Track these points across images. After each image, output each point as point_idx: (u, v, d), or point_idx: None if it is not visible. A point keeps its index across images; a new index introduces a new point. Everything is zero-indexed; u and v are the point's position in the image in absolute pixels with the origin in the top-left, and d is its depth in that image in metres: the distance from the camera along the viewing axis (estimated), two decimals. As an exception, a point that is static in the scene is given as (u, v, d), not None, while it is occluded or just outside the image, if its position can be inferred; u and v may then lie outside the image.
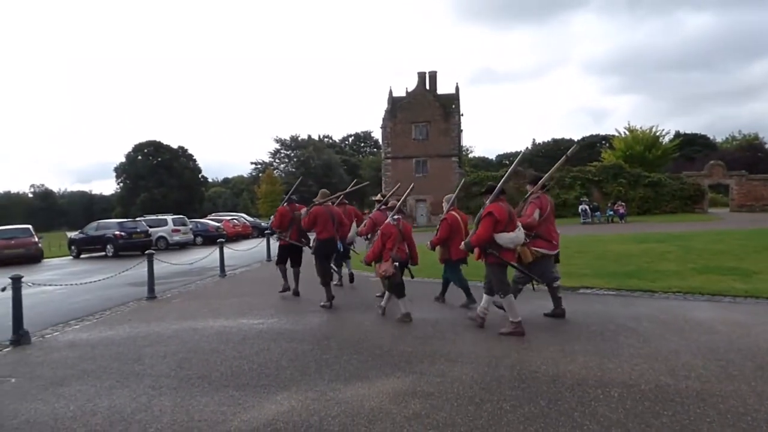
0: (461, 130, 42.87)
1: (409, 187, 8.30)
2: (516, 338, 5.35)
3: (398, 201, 7.38)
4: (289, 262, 8.96)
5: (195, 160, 76.33)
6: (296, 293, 8.62)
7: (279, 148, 71.39)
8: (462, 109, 42.38)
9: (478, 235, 5.43)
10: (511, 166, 5.83)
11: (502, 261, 5.48)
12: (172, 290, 10.22)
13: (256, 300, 8.54)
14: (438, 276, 8.40)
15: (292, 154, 70.52)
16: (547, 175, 6.33)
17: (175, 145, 73.53)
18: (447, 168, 39.39)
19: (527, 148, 54.93)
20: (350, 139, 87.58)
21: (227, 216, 33.70)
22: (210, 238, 25.57)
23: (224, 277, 11.97)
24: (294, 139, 70.70)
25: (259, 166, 73.28)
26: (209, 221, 29.41)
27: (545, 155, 69.15)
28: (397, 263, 6.38)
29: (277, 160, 72.15)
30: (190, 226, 25.76)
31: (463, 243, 5.75)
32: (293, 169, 68.28)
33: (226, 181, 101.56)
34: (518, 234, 5.47)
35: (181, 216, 26.81)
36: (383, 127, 41.42)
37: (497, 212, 5.38)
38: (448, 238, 6.93)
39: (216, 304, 8.27)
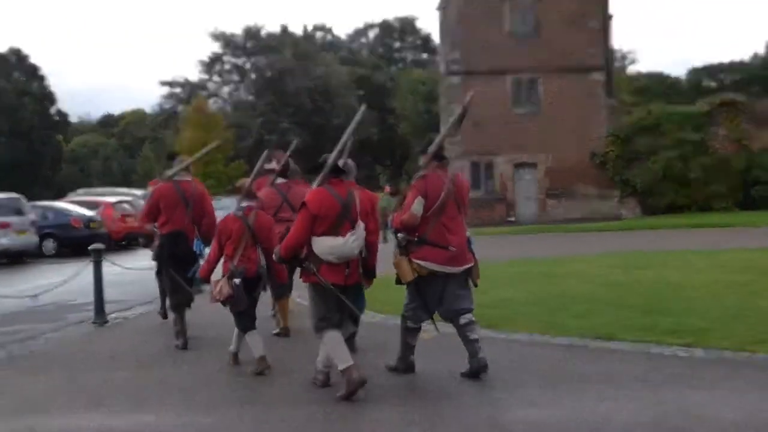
0: (611, 16, 42.40)
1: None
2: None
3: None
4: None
5: (44, 79, 77.91)
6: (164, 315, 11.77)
7: (220, 52, 72.13)
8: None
9: (287, 239, 7.10)
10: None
11: (320, 281, 6.97)
12: (-5, 352, 10.42)
13: (173, 373, 8.68)
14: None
15: (249, 66, 71.18)
16: (438, 138, 7.86)
17: (3, 48, 75.32)
18: (583, 94, 38.73)
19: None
20: (371, 35, 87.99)
21: (109, 196, 34.35)
22: (73, 242, 26.14)
23: (104, 324, 12.19)
24: (251, 34, 71.08)
25: (178, 90, 74.34)
26: (72, 206, 30.00)
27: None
28: (238, 280, 7.77)
29: (216, 77, 73.08)
30: (33, 217, 26.24)
31: (274, 253, 7.48)
32: (249, 97, 69.02)
33: (108, 121, 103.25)
34: (348, 241, 6.91)
35: (15, 195, 27.24)
36: (442, 8, 41.43)
37: (314, 203, 6.92)
38: None
39: (88, 383, 8.37)
